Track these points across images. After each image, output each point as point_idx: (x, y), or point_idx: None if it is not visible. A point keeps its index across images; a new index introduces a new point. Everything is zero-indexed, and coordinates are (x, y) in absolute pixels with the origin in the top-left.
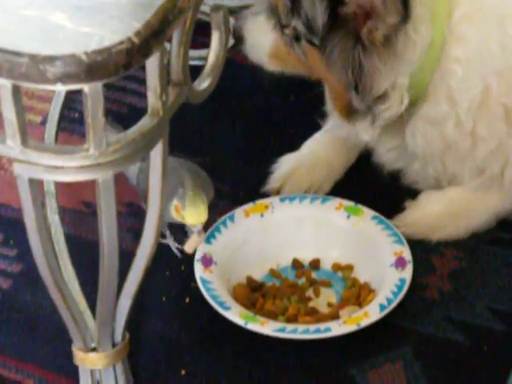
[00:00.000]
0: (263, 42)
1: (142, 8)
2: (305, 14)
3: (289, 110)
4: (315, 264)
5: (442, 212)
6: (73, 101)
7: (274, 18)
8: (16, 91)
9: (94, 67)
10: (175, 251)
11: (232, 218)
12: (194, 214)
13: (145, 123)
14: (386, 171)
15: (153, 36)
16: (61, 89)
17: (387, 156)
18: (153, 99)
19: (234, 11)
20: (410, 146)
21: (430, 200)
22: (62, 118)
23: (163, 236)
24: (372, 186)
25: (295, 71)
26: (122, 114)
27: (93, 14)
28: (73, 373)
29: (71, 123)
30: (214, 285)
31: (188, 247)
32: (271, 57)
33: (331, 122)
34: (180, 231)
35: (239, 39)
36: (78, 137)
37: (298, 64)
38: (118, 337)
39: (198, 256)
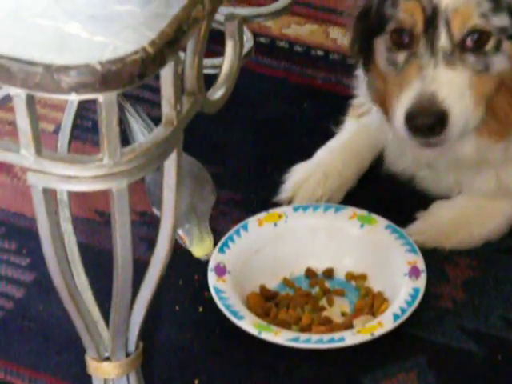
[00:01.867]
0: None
1: (156, 18)
2: None
3: (302, 119)
4: (329, 273)
5: (454, 219)
6: (86, 110)
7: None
8: (30, 101)
9: (108, 77)
10: (181, 241)
11: (245, 227)
12: (201, 249)
13: (159, 133)
14: (402, 178)
15: (167, 46)
16: (75, 98)
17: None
18: (167, 109)
19: (247, 20)
20: (464, 156)
21: (441, 208)
22: (75, 126)
23: None
24: (384, 195)
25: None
26: None
27: (107, 24)
28: (86, 382)
29: (84, 132)
30: (227, 294)
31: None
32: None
33: (348, 127)
34: None
35: None
36: (91, 145)
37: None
38: (132, 346)
39: (211, 265)
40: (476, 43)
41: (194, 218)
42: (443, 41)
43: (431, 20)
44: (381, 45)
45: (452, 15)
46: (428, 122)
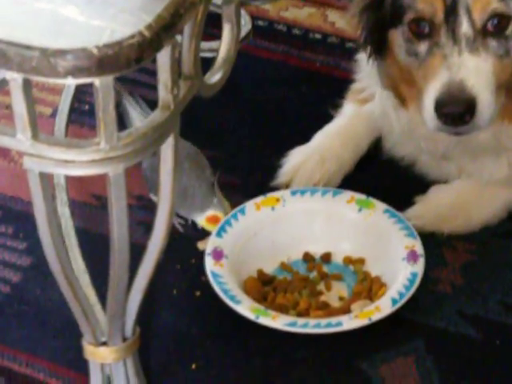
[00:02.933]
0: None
1: (153, 1)
2: None
3: (300, 102)
4: (326, 257)
5: (453, 203)
6: (83, 93)
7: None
8: (26, 85)
9: (104, 61)
10: (178, 227)
11: (243, 211)
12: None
13: (155, 117)
14: (402, 163)
15: (164, 29)
16: (71, 82)
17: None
18: (164, 93)
19: (246, 3)
20: (481, 142)
21: (440, 192)
22: (73, 110)
23: None
24: (383, 179)
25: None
26: None
27: (104, 8)
28: (83, 367)
29: (81, 115)
30: (224, 278)
31: (202, 244)
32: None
33: (346, 111)
34: None
35: None
36: (89, 129)
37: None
38: (129, 331)
39: (208, 249)
40: (497, 27)
41: (219, 191)
42: (465, 28)
43: (451, 8)
44: (398, 36)
45: (472, 1)
46: (459, 109)
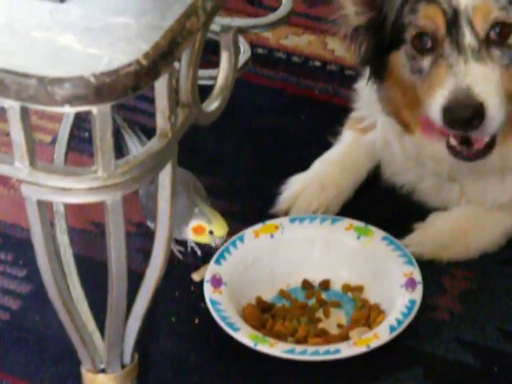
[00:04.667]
0: None
1: (150, 30)
2: None
3: (299, 130)
4: (325, 285)
5: (451, 231)
6: (83, 120)
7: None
8: (24, 113)
9: (102, 89)
10: (177, 254)
11: (242, 239)
12: (220, 225)
13: (153, 145)
14: (401, 191)
15: (161, 58)
16: (69, 111)
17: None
18: (161, 121)
19: (245, 31)
20: (487, 162)
21: (438, 219)
22: (72, 137)
23: None
24: (381, 206)
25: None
26: None
27: (101, 36)
28: None
29: (81, 143)
30: (223, 306)
31: (197, 275)
32: None
33: (345, 139)
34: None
35: None
36: (88, 156)
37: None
38: (127, 358)
39: (207, 277)
40: (499, 36)
41: (199, 199)
42: (469, 39)
43: (453, 21)
44: (400, 57)
45: (473, 13)
46: (466, 114)
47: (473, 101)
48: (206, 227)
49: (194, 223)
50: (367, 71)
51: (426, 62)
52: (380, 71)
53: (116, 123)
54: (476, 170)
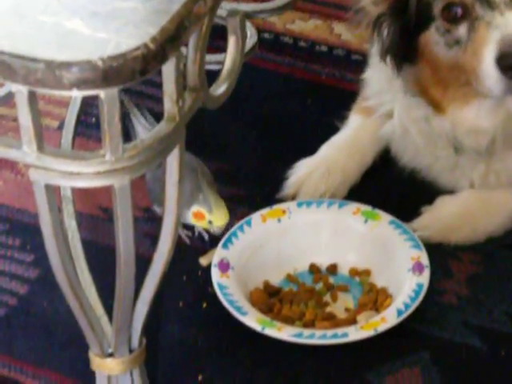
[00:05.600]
0: None
1: (157, 14)
2: None
3: (306, 114)
4: (332, 269)
5: (459, 214)
6: (90, 106)
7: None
8: (32, 97)
9: (109, 73)
10: (184, 238)
11: (249, 223)
12: (221, 216)
13: (161, 129)
14: (411, 169)
15: (168, 42)
16: (76, 95)
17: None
18: (169, 105)
19: (251, 16)
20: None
21: (446, 203)
22: (79, 122)
23: None
24: (388, 190)
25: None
26: None
27: (109, 20)
28: (90, 378)
29: (88, 128)
30: (230, 290)
31: (205, 260)
32: None
33: (352, 123)
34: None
35: None
36: (95, 142)
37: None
38: (135, 342)
39: (215, 261)
40: None
41: (205, 186)
42: None
43: None
44: (431, 35)
45: None
46: None
47: None
48: (205, 215)
49: (195, 208)
50: (392, 59)
51: (461, 30)
52: (408, 55)
53: (124, 106)
54: (508, 139)
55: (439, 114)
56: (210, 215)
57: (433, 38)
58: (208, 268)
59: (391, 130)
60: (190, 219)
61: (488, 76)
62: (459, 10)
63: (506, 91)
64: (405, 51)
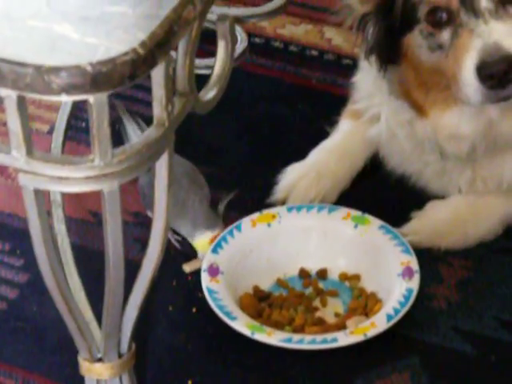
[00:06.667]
0: None
1: (147, 19)
2: None
3: (296, 119)
4: (322, 274)
5: (449, 219)
6: (80, 110)
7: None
8: (21, 102)
9: (99, 78)
10: (174, 243)
11: (239, 228)
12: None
13: (150, 134)
14: (401, 175)
15: (158, 47)
16: (66, 100)
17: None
18: (158, 110)
19: (242, 20)
20: (503, 135)
21: (436, 208)
22: (70, 127)
23: None
24: (379, 195)
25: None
26: None
27: (98, 25)
28: (79, 383)
29: (78, 132)
30: (220, 295)
31: (188, 267)
32: None
33: (342, 128)
34: None
35: None
36: (85, 146)
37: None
38: (125, 347)
39: (204, 266)
40: None
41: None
42: (484, 2)
43: None
44: (415, 37)
45: None
46: (502, 67)
47: (504, 53)
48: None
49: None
50: (375, 57)
51: (444, 35)
52: (392, 55)
53: (117, 111)
54: (494, 144)
55: (422, 118)
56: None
57: (416, 41)
58: (197, 273)
59: (378, 133)
60: (203, 243)
61: (467, 84)
62: (444, 15)
63: (484, 100)
64: (389, 52)
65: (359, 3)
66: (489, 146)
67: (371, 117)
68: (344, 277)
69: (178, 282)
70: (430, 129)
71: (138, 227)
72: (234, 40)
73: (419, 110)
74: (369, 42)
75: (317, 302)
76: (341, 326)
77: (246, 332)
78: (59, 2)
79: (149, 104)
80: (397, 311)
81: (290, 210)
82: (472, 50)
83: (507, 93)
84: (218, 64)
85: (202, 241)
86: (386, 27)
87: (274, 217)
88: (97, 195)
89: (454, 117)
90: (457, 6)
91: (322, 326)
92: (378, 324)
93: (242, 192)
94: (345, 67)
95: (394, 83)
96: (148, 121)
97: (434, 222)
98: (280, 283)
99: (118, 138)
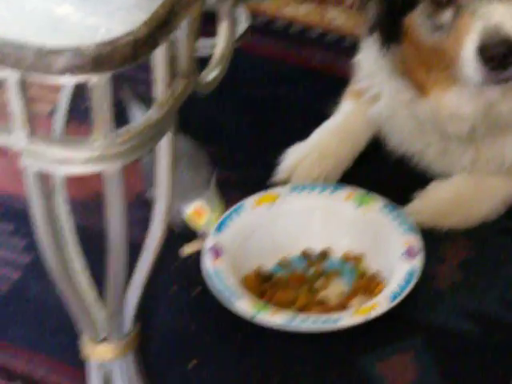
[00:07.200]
0: None
1: None
2: None
3: (298, 100)
4: (325, 254)
5: (452, 199)
6: (83, 90)
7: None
8: (22, 83)
9: (100, 59)
10: (177, 223)
11: (241, 208)
12: (219, 218)
13: (152, 115)
14: (402, 155)
15: (159, 27)
16: (67, 81)
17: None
18: (160, 91)
19: (242, 0)
20: (503, 115)
21: (439, 188)
22: (72, 107)
23: None
24: (381, 175)
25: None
26: None
27: (99, 6)
28: (83, 363)
29: (81, 113)
30: (223, 274)
31: (188, 249)
32: None
33: (344, 108)
34: None
35: None
36: (88, 127)
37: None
38: (127, 328)
39: (207, 246)
40: None
41: (214, 186)
42: None
43: None
44: (417, 16)
45: None
46: (502, 49)
47: (505, 35)
48: (207, 213)
49: (198, 204)
50: (377, 36)
51: (447, 14)
52: (394, 34)
53: (124, 94)
54: (494, 124)
55: (423, 97)
56: (212, 214)
57: (418, 20)
58: (200, 253)
59: (378, 112)
60: (189, 215)
61: (468, 65)
62: None
63: (484, 81)
64: (390, 30)
65: None
66: (489, 126)
67: (372, 96)
68: (347, 257)
69: (180, 263)
70: (431, 108)
71: (140, 208)
72: (235, 20)
73: (420, 89)
74: (370, 20)
75: (320, 283)
76: (344, 307)
77: (250, 312)
78: None
79: (151, 84)
80: (400, 291)
81: (292, 190)
82: (473, 32)
83: (507, 75)
84: (220, 44)
85: (189, 212)
86: (388, 5)
87: (276, 197)
88: (99, 176)
89: (454, 96)
90: None
91: (324, 306)
92: (381, 304)
93: (244, 173)
94: (347, 48)
95: (395, 62)
96: (151, 101)
97: (437, 202)
98: (283, 264)
99: (123, 119)
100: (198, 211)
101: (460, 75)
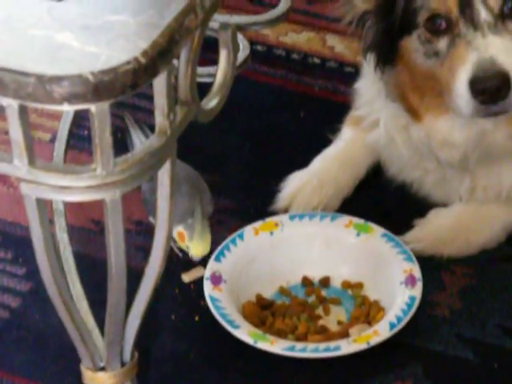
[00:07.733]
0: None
1: (148, 28)
2: None
3: (299, 127)
4: (325, 282)
5: (451, 227)
6: (82, 118)
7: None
8: (23, 111)
9: (100, 87)
10: (176, 251)
11: (241, 236)
12: (200, 247)
13: (152, 143)
14: (405, 186)
15: (160, 56)
16: (67, 109)
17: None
18: (160, 119)
19: (244, 28)
20: (496, 145)
21: (439, 215)
22: (72, 135)
23: None
24: (381, 202)
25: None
26: None
27: (100, 34)
28: None
29: (80, 141)
30: (223, 303)
31: (188, 277)
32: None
33: (344, 136)
34: None
35: None
36: (88, 154)
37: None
38: (127, 356)
39: (207, 274)
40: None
41: (198, 213)
42: (484, 15)
43: (465, 0)
44: (413, 41)
45: None
46: (495, 83)
47: (499, 69)
48: (185, 239)
49: (180, 228)
50: (373, 58)
51: (442, 43)
52: (389, 57)
53: (124, 122)
54: (487, 153)
55: (417, 122)
56: (189, 242)
57: (413, 45)
58: (200, 281)
59: (376, 138)
60: (175, 234)
61: (459, 95)
62: (443, 23)
63: (474, 114)
64: (386, 52)
65: (360, 0)
66: (482, 155)
67: (371, 123)
68: (347, 285)
69: (180, 291)
70: (424, 134)
71: (140, 235)
72: (236, 48)
73: (414, 113)
74: (367, 40)
75: (320, 310)
76: (344, 334)
77: (249, 340)
78: (60, 11)
79: (151, 112)
80: (399, 319)
81: (292, 218)
82: (467, 63)
83: (498, 109)
84: (220, 72)
85: (174, 234)
86: (385, 28)
87: (276, 225)
88: (99, 203)
89: (446, 123)
90: (456, 16)
91: (324, 334)
92: (380, 332)
93: (244, 200)
94: (347, 75)
95: (390, 85)
96: (151, 129)
97: (437, 230)
98: (283, 291)
99: (123, 147)
100: (180, 235)
101: (451, 104)
